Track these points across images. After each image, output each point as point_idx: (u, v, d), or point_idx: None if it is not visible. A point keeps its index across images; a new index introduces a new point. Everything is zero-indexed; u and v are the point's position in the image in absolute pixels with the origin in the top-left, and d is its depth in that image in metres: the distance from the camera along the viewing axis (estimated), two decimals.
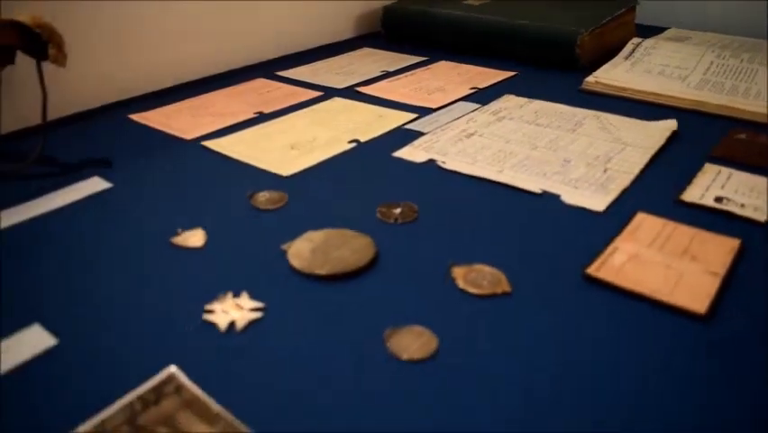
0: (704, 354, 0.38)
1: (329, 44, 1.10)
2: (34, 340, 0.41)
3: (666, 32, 1.06)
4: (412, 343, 0.39)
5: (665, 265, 0.46)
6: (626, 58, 0.89)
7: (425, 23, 1.04)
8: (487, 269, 0.46)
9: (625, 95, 0.80)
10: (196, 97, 0.83)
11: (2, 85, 0.67)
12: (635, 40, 0.93)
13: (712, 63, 0.84)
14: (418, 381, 0.36)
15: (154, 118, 0.77)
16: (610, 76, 0.83)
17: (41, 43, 0.62)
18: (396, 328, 0.40)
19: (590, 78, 0.83)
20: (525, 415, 0.34)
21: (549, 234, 0.50)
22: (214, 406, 0.35)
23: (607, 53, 0.93)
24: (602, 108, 0.76)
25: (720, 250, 0.48)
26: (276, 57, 1.02)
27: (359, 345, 0.39)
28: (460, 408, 0.34)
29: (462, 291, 0.44)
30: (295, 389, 0.36)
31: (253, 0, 0.95)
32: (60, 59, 0.62)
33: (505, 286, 0.44)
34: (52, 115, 0.71)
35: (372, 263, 0.47)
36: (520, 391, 0.35)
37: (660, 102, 0.78)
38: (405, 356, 0.38)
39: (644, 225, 0.52)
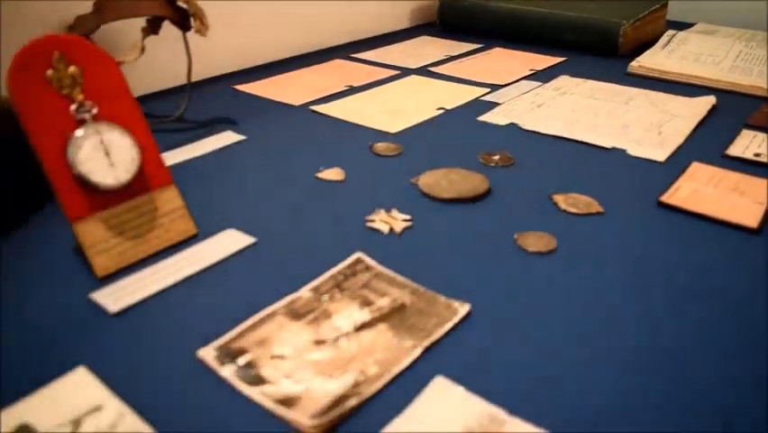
0: (755, 258, 0.50)
1: (389, 33, 1.23)
2: (235, 239, 0.53)
3: (695, 26, 1.19)
4: (537, 242, 0.51)
5: (720, 197, 0.59)
6: (664, 47, 1.01)
7: (478, 15, 1.17)
8: (580, 196, 0.58)
9: (665, 77, 0.93)
10: (287, 74, 0.96)
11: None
12: (670, 32, 1.05)
13: (741, 52, 0.96)
14: (545, 266, 0.48)
15: (256, 88, 0.89)
16: (652, 61, 0.96)
17: (186, 16, 0.74)
18: (522, 232, 0.52)
19: (634, 63, 0.96)
20: (620, 290, 0.46)
21: (623, 176, 0.63)
22: (399, 277, 0.47)
23: (642, 44, 1.06)
24: (648, 87, 0.89)
25: (763, 188, 0.60)
26: (346, 42, 1.14)
27: (493, 242, 0.51)
28: (576, 283, 0.47)
29: (564, 211, 0.56)
30: (448, 270, 0.48)
31: None
32: (203, 31, 0.74)
33: (598, 208, 0.56)
34: (167, 83, 0.83)
35: (487, 193, 0.59)
36: (619, 275, 0.47)
37: (697, 83, 0.90)
38: (531, 249, 0.50)
39: (699, 171, 0.64)
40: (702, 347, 0.40)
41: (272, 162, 0.65)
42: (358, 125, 0.75)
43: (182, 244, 0.52)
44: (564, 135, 0.71)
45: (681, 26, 1.17)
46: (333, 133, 0.73)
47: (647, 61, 0.95)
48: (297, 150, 0.68)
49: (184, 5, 0.73)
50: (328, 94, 0.86)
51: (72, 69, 0.49)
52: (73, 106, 0.49)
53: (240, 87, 0.89)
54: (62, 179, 0.47)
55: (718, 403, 0.35)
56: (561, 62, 1.01)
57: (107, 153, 0.48)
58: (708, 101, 0.81)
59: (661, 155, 0.66)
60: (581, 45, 1.06)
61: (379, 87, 0.89)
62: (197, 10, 0.73)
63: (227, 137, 0.72)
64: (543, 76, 0.94)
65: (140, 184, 0.51)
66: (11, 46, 0.74)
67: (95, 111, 0.49)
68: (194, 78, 0.89)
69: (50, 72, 0.48)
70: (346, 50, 1.08)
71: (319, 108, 0.80)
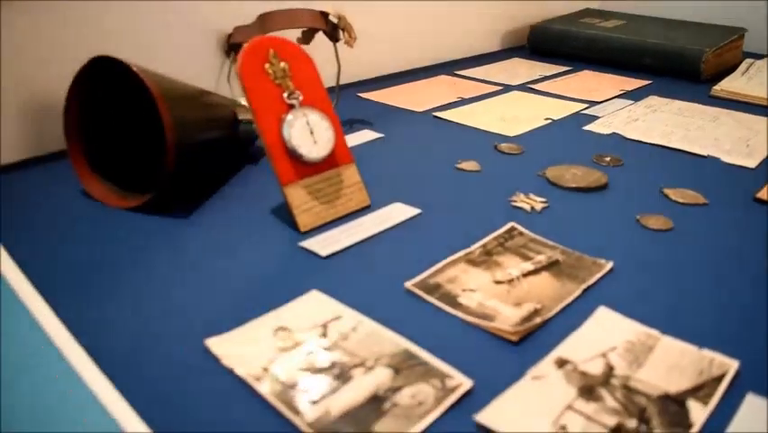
0: None
1: (482, 54, 1.35)
2: (403, 210, 0.65)
3: None
4: (656, 222, 0.62)
5: None
6: (743, 73, 1.12)
7: (566, 40, 1.29)
8: (687, 190, 0.69)
9: (746, 100, 1.03)
10: (400, 86, 1.08)
11: None
12: (748, 60, 1.16)
13: None
14: (666, 239, 0.59)
15: (378, 96, 1.02)
16: (733, 86, 1.06)
17: (336, 29, 0.87)
18: (643, 214, 0.64)
19: (717, 87, 1.06)
20: (726, 257, 0.56)
21: (720, 177, 0.73)
22: (549, 241, 0.59)
23: (721, 70, 1.17)
24: (730, 108, 1.00)
25: None
26: (444, 61, 1.27)
27: (618, 220, 0.62)
28: (692, 251, 0.57)
29: (675, 201, 0.67)
30: (585, 239, 0.58)
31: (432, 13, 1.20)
32: (351, 43, 0.87)
33: (703, 200, 0.67)
34: None
35: (606, 185, 0.70)
36: (726, 247, 0.58)
37: None
38: (653, 227, 0.61)
39: None
40: None
41: (414, 155, 0.77)
42: (478, 129, 0.87)
43: (359, 212, 0.63)
44: (663, 144, 0.82)
45: (756, 56, 1.27)
46: (458, 134, 0.85)
47: (729, 86, 1.05)
48: (431, 146, 0.80)
49: (335, 20, 0.86)
50: (444, 103, 0.98)
51: (282, 63, 0.62)
52: (285, 94, 0.61)
53: (363, 95, 1.01)
54: (277, 151, 0.60)
55: None
56: (647, 84, 1.12)
57: (312, 132, 0.61)
58: None
59: (752, 162, 0.77)
60: (663, 69, 1.17)
61: (488, 100, 1.01)
62: (346, 24, 0.86)
63: (367, 135, 0.84)
64: (632, 96, 1.05)
65: (331, 160, 0.63)
66: (177, 51, 0.88)
67: (301, 98, 0.62)
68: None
69: (267, 66, 0.61)
70: (446, 68, 1.21)
71: (442, 114, 0.92)
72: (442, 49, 1.25)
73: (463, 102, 0.99)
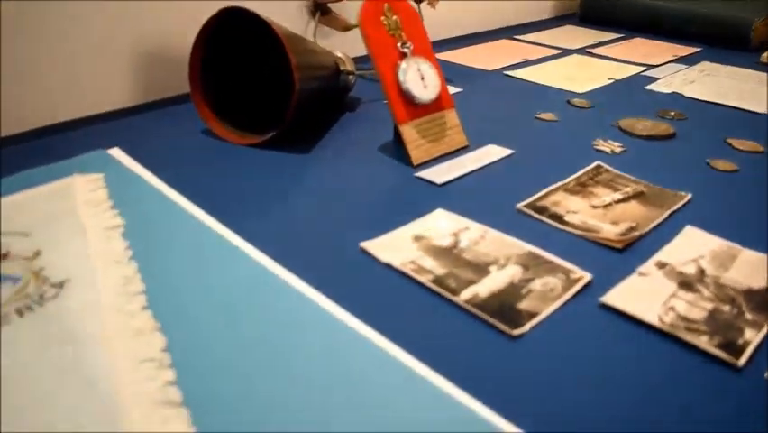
0: None
1: (534, 21, 1.43)
2: (498, 150, 0.73)
3: None
4: (724, 165, 0.71)
5: None
6: None
7: (617, 8, 1.36)
8: (746, 141, 0.78)
9: None
10: (466, 48, 1.16)
11: None
12: None
13: None
14: (734, 179, 0.67)
15: (449, 57, 1.10)
16: None
17: None
18: (712, 158, 0.72)
19: (766, 54, 1.14)
20: None
21: None
22: (631, 177, 0.68)
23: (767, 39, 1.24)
24: None
25: None
26: (504, 26, 1.35)
27: (690, 163, 0.70)
28: (758, 187, 0.66)
29: (737, 149, 0.76)
30: (662, 178, 0.66)
31: None
32: (434, 4, 0.95)
33: (759, 147, 0.76)
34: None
35: (674, 135, 0.79)
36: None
37: None
38: (721, 168, 0.70)
39: None
40: None
41: (495, 107, 0.86)
42: (548, 86, 0.95)
43: (458, 151, 0.72)
44: (721, 102, 0.90)
45: None
46: (530, 90, 0.93)
47: None
48: (508, 100, 0.89)
49: None
50: (511, 63, 1.06)
51: (395, 17, 0.70)
52: (399, 43, 0.70)
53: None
54: (394, 94, 0.69)
55: None
56: (697, 51, 1.20)
57: (422, 78, 0.70)
58: None
59: None
60: (712, 38, 1.25)
61: (551, 62, 1.09)
62: None
63: (453, 89, 0.93)
64: (685, 61, 1.13)
65: (437, 104, 0.72)
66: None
67: (412, 47, 0.70)
68: None
69: (382, 18, 0.69)
70: (505, 33, 1.29)
71: (511, 73, 1.01)
72: (498, 15, 1.33)
73: (528, 63, 1.07)
